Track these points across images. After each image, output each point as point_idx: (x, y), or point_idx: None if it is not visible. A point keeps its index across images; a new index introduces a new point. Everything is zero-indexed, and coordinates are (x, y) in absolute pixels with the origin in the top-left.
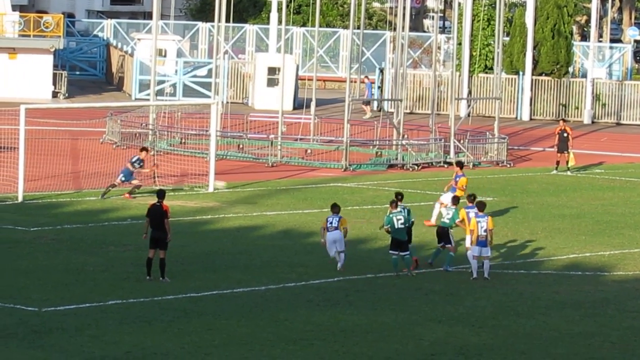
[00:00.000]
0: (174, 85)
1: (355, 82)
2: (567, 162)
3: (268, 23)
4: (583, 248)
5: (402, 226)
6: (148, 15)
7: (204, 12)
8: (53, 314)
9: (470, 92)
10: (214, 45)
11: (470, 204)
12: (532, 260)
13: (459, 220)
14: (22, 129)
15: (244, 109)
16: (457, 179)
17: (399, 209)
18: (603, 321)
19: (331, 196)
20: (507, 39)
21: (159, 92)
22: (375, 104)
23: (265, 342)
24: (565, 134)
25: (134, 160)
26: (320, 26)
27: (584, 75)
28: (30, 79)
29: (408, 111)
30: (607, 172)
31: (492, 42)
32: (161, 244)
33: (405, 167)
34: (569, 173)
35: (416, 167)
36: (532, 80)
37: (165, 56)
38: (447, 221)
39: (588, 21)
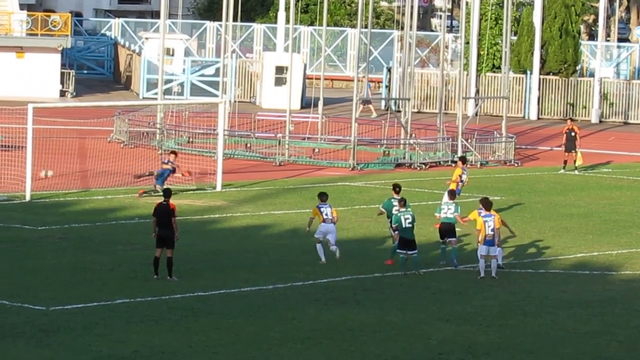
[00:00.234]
0: (181, 84)
1: (362, 81)
2: (575, 161)
3: (276, 22)
4: (591, 247)
5: (410, 225)
6: (156, 15)
7: (211, 11)
8: (61, 313)
9: (477, 91)
10: (222, 44)
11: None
12: (539, 260)
13: (462, 218)
14: (29, 128)
15: (252, 108)
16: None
17: (407, 208)
18: (611, 320)
19: (339, 195)
20: (515, 38)
21: (167, 91)
22: (383, 102)
23: (273, 341)
24: (572, 134)
25: (166, 161)
26: (327, 25)
27: (592, 75)
28: (38, 78)
29: (416, 110)
30: (615, 172)
31: (499, 41)
32: (168, 243)
33: (412, 166)
34: (576, 172)
35: (424, 166)
36: (539, 79)
37: (172, 55)
38: (451, 216)
39: (596, 20)
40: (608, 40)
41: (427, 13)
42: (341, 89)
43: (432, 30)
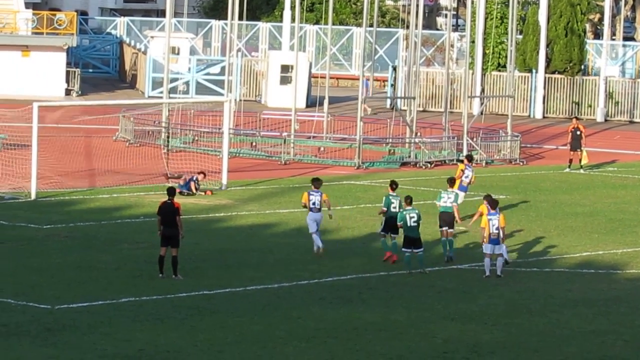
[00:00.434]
0: (187, 83)
1: (368, 79)
2: (580, 160)
3: (281, 21)
4: (596, 246)
5: (415, 224)
6: (161, 13)
7: (217, 9)
8: (66, 312)
9: (483, 90)
10: (227, 43)
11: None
12: (544, 258)
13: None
14: (34, 127)
15: (257, 106)
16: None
17: (412, 207)
18: (616, 319)
19: (344, 194)
20: (520, 37)
21: (172, 90)
22: (389, 101)
23: (278, 339)
24: (578, 132)
25: (193, 178)
26: (333, 24)
27: (597, 74)
28: (43, 76)
29: (421, 109)
30: (620, 170)
31: (505, 40)
32: (173, 241)
33: (418, 165)
34: (582, 171)
35: (429, 165)
36: (545, 78)
37: (178, 54)
38: (450, 204)
39: (601, 19)
40: (613, 39)
41: (432, 12)
42: (347, 87)
43: (438, 29)
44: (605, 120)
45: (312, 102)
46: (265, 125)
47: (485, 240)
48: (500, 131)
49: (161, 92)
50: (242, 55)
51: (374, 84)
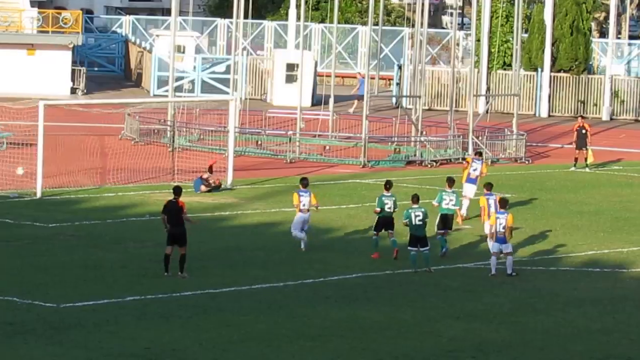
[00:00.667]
0: (192, 82)
1: (374, 78)
2: (586, 158)
3: (286, 19)
4: (601, 245)
5: (420, 222)
6: (166, 12)
7: (222, 8)
8: (71, 310)
9: (488, 89)
10: (233, 41)
11: (488, 192)
12: (550, 257)
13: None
14: (40, 125)
15: (263, 105)
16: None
17: (418, 205)
18: (622, 318)
19: (349, 192)
20: (526, 35)
21: (178, 89)
22: (394, 100)
23: (284, 338)
24: (583, 131)
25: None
26: (338, 22)
27: (603, 72)
28: (49, 75)
29: (426, 108)
30: (626, 169)
31: (510, 39)
32: (180, 240)
33: (423, 164)
34: (587, 170)
35: (434, 164)
36: (550, 77)
37: (183, 52)
38: (453, 207)
39: (607, 18)
40: (619, 38)
41: (438, 10)
42: (352, 86)
43: (443, 28)
44: (611, 119)
45: (318, 101)
46: (270, 123)
47: (492, 236)
48: (506, 130)
49: (166, 91)
50: (248, 54)
51: (379, 83)
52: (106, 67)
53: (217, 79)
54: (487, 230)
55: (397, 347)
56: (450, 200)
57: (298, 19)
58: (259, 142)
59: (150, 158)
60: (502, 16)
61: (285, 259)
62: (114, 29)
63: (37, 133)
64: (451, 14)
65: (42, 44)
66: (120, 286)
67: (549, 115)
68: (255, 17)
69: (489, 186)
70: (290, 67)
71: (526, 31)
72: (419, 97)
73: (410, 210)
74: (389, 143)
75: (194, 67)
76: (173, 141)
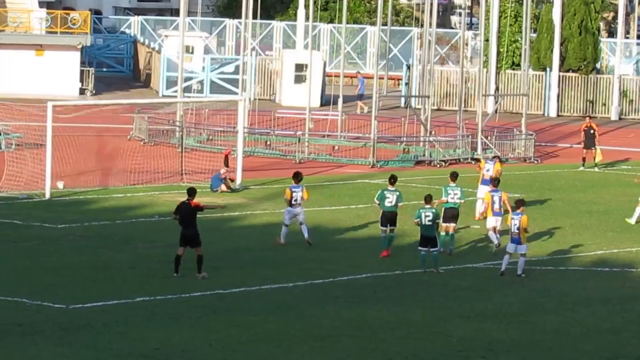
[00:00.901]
0: (201, 82)
1: (383, 78)
2: (594, 158)
3: (295, 20)
4: (611, 244)
5: (430, 223)
6: (175, 12)
7: (231, 8)
8: (81, 311)
9: (497, 89)
10: (241, 41)
11: (494, 188)
12: (559, 257)
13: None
14: (49, 126)
15: (272, 105)
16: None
17: (430, 205)
18: (631, 317)
19: (358, 192)
20: (535, 35)
21: (186, 89)
22: (403, 100)
23: (293, 338)
24: (591, 131)
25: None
26: (347, 23)
27: (611, 72)
28: (58, 75)
29: (435, 108)
30: (635, 169)
31: (519, 39)
32: (193, 242)
33: (432, 164)
34: (596, 169)
35: (443, 164)
36: (559, 76)
37: (192, 53)
38: (458, 201)
39: (615, 17)
40: (627, 38)
41: (446, 10)
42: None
43: (452, 28)
44: (620, 118)
45: (327, 101)
46: (279, 124)
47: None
48: (515, 129)
49: (175, 91)
50: (256, 54)
51: (387, 83)
52: (115, 68)
53: (226, 80)
54: (489, 225)
55: (407, 347)
56: (455, 194)
57: (307, 19)
58: (268, 143)
59: (159, 159)
60: (510, 16)
61: (294, 259)
62: (122, 29)
63: (45, 134)
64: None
65: (50, 44)
66: (130, 287)
67: (558, 115)
68: (264, 17)
69: (495, 182)
70: (299, 67)
71: (535, 31)
72: (428, 97)
73: (421, 210)
74: (398, 143)
75: (203, 68)
76: (182, 142)
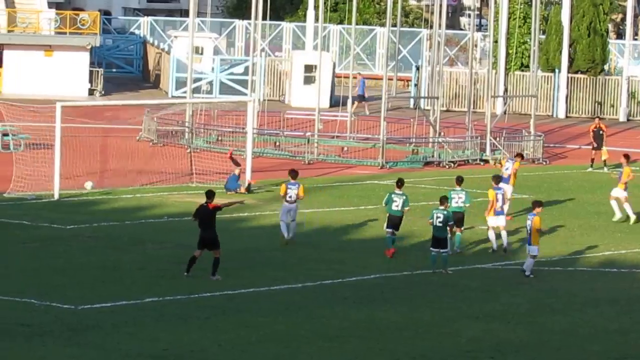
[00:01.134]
0: (210, 83)
1: (392, 79)
2: (601, 156)
3: (305, 21)
4: (619, 245)
5: (441, 224)
6: (185, 13)
7: (240, 9)
8: (89, 312)
9: (506, 90)
10: (251, 42)
11: (497, 185)
12: (567, 258)
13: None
14: (58, 127)
15: (281, 106)
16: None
17: (444, 207)
18: (639, 318)
19: (367, 193)
20: (543, 37)
21: (196, 90)
22: (412, 101)
23: (302, 339)
24: (600, 132)
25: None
26: (357, 24)
27: (620, 73)
28: (67, 76)
29: (444, 109)
30: None
31: (528, 40)
32: (211, 245)
33: (441, 165)
34: (605, 170)
35: (452, 165)
36: (568, 78)
37: (202, 54)
38: (462, 205)
39: (624, 19)
40: (636, 39)
41: (455, 12)
42: (370, 87)
43: (461, 29)
44: (628, 119)
45: (336, 102)
46: (288, 125)
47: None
48: (524, 131)
49: (185, 92)
50: (266, 55)
51: (397, 84)
52: (124, 69)
53: (236, 80)
54: (490, 224)
55: (415, 348)
56: (460, 198)
57: (316, 20)
58: (277, 144)
59: (168, 159)
60: (519, 17)
61: (303, 260)
62: (132, 30)
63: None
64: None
65: (59, 45)
66: (139, 287)
67: (567, 117)
68: (274, 18)
69: (497, 179)
70: (309, 68)
71: (544, 32)
72: (437, 98)
73: (434, 211)
74: (407, 144)
75: (212, 69)
76: (191, 142)
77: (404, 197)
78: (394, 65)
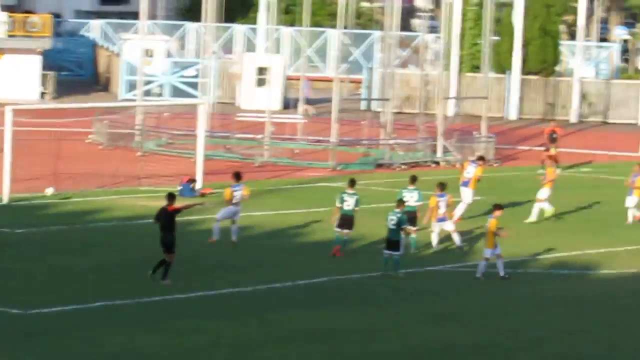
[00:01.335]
0: (161, 86)
1: (344, 81)
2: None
3: (256, 23)
4: (570, 247)
5: (394, 227)
6: (137, 16)
7: (192, 11)
8: (38, 316)
9: (458, 92)
10: (202, 45)
11: (440, 192)
12: (519, 259)
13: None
14: (8, 130)
15: (232, 109)
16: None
17: (400, 210)
18: (590, 319)
19: (319, 195)
20: (496, 38)
21: (147, 93)
22: (364, 103)
23: (253, 343)
24: (554, 135)
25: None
26: (309, 26)
27: (572, 75)
28: (18, 79)
29: (396, 110)
30: (596, 171)
31: (480, 42)
32: (168, 247)
33: (393, 167)
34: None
35: (404, 167)
36: (520, 79)
37: (152, 56)
38: (414, 204)
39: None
40: (588, 40)
41: (408, 13)
42: (322, 89)
43: (413, 31)
44: (580, 121)
45: (288, 104)
46: (240, 127)
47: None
48: (475, 132)
49: (135, 95)
50: (218, 58)
51: (349, 86)
52: (75, 71)
53: (187, 83)
54: (435, 230)
55: (367, 351)
56: (412, 197)
57: (268, 22)
58: (228, 146)
59: (118, 162)
60: (472, 19)
61: (254, 263)
62: (82, 32)
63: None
64: (421, 17)
65: (10, 48)
66: (88, 292)
67: (519, 118)
68: (227, 20)
69: (441, 186)
70: (261, 70)
71: (496, 34)
72: (389, 100)
73: (389, 214)
74: (359, 146)
75: (164, 71)
76: (142, 146)
77: (356, 197)
78: (346, 67)
